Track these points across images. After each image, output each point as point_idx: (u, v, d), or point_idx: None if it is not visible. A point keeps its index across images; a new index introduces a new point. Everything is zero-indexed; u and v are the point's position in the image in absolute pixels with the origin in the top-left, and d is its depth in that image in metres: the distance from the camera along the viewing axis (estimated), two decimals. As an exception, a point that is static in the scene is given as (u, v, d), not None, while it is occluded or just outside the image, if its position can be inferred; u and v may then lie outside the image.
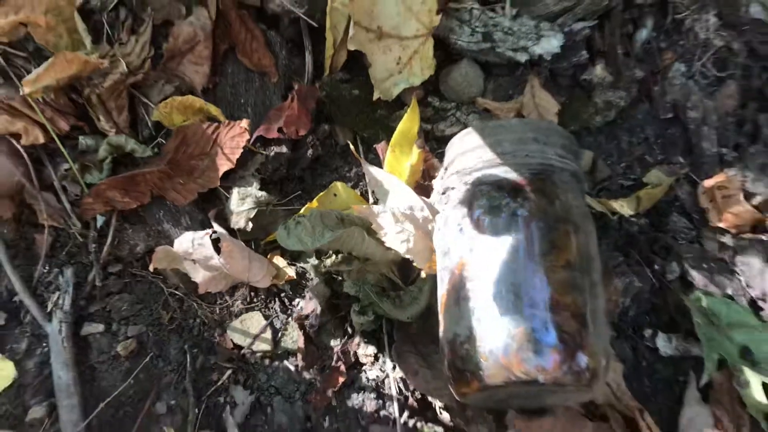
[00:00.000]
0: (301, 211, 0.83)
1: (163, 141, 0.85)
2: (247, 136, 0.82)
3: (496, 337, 0.68)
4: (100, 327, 0.82)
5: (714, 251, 0.90)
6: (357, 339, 0.83)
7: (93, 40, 0.86)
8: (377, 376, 0.83)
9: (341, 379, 0.82)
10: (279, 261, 0.85)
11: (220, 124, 0.84)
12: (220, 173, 0.83)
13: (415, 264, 0.80)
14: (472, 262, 0.73)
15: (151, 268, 0.81)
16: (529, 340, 0.68)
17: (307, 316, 0.82)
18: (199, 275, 0.82)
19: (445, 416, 0.82)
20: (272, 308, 0.84)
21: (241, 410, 0.81)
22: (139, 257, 0.84)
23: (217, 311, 0.83)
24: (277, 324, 0.84)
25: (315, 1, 0.90)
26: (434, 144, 0.93)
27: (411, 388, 0.82)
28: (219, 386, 0.82)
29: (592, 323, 0.70)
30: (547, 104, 0.92)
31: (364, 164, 0.85)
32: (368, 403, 0.82)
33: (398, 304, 0.81)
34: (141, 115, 0.87)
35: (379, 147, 0.89)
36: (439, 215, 0.80)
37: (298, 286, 0.85)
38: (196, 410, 0.80)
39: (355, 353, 0.83)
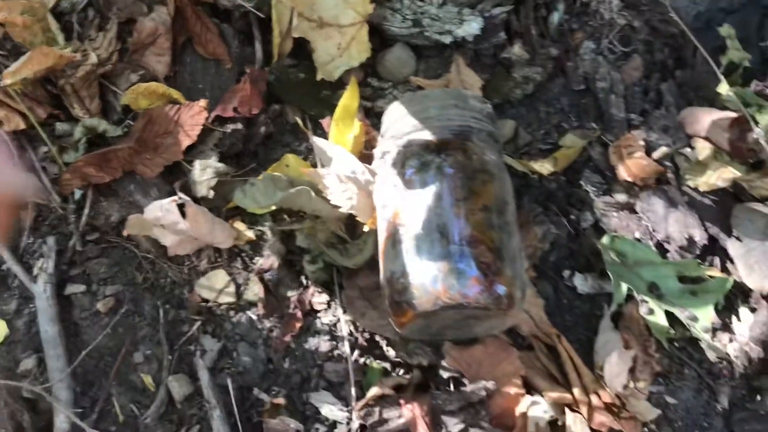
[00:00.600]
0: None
1: (132, 123, 0.97)
2: (205, 114, 0.94)
3: (426, 270, 0.80)
4: (82, 287, 0.93)
5: (623, 201, 1.03)
6: (311, 289, 0.95)
7: (65, 38, 0.97)
8: (330, 321, 0.94)
9: (298, 325, 0.93)
10: (239, 225, 0.96)
11: (181, 106, 0.95)
12: (183, 148, 0.94)
13: (358, 219, 0.91)
14: (405, 210, 0.84)
15: (125, 234, 0.92)
16: (452, 271, 0.79)
17: (266, 270, 0.93)
18: (168, 239, 0.93)
19: (391, 352, 0.93)
20: (234, 266, 0.95)
21: (210, 356, 0.92)
22: (113, 226, 0.95)
23: (186, 271, 0.94)
24: (240, 280, 0.95)
25: (262, -4, 1.01)
26: (375, 119, 1.05)
27: (360, 329, 0.93)
28: (190, 336, 0.93)
29: (507, 256, 0.82)
30: (471, 80, 1.05)
31: (311, 137, 0.97)
32: (322, 344, 0.93)
33: (344, 254, 0.92)
34: (111, 102, 0.99)
35: (325, 122, 1.01)
36: (378, 175, 0.92)
37: (257, 246, 0.96)
38: (170, 357, 0.91)
39: (310, 301, 0.94)
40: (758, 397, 0.95)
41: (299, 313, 0.93)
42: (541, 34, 1.12)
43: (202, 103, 0.94)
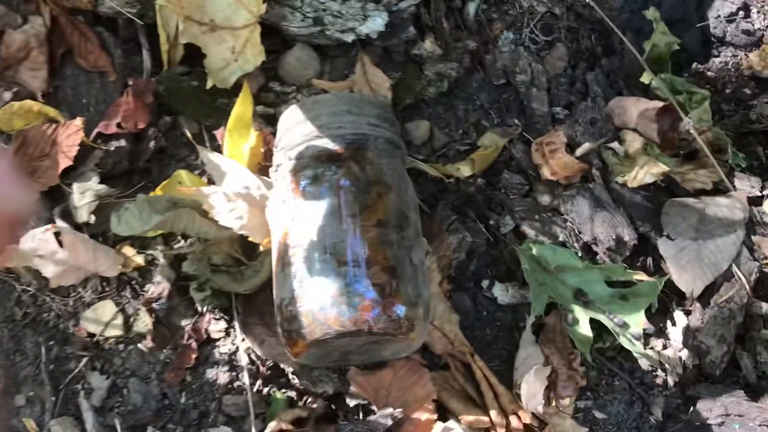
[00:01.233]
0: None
1: (5, 146, 0.89)
2: (81, 133, 0.87)
3: (315, 295, 0.74)
4: (-47, 328, 0.86)
5: (546, 203, 0.97)
6: (207, 317, 0.88)
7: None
8: (229, 350, 0.87)
9: (194, 356, 0.86)
10: (128, 250, 0.89)
11: (58, 125, 0.88)
12: (59, 171, 0.87)
13: (251, 239, 0.85)
14: (294, 229, 0.78)
15: (1, 267, 0.85)
16: (343, 294, 0.73)
17: (156, 299, 0.86)
18: (49, 270, 0.86)
19: (297, 381, 0.86)
20: (124, 295, 0.89)
21: (98, 394, 0.85)
22: (-12, 259, 0.88)
23: (71, 303, 0.88)
24: (129, 310, 0.88)
25: (146, 1, 0.94)
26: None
27: (263, 357, 0.87)
28: (76, 374, 0.86)
29: (405, 274, 0.76)
30: (378, 80, 0.98)
31: (200, 150, 0.90)
32: (221, 376, 0.86)
33: (238, 278, 0.85)
34: (-18, 124, 0.91)
35: (218, 133, 0.94)
36: (271, 191, 0.85)
37: (148, 273, 0.90)
38: (54, 398, 0.84)
39: (207, 330, 0.88)
40: (693, 407, 0.89)
41: (194, 344, 0.87)
42: (456, 27, 1.05)
43: (78, 121, 0.87)
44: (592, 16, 1.09)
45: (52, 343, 0.88)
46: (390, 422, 0.81)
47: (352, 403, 0.85)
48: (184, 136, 0.97)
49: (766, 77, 1.12)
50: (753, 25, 1.19)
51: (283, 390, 0.87)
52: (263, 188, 0.89)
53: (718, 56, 1.18)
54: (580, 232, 0.96)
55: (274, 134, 0.96)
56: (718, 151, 1.03)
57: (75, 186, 0.88)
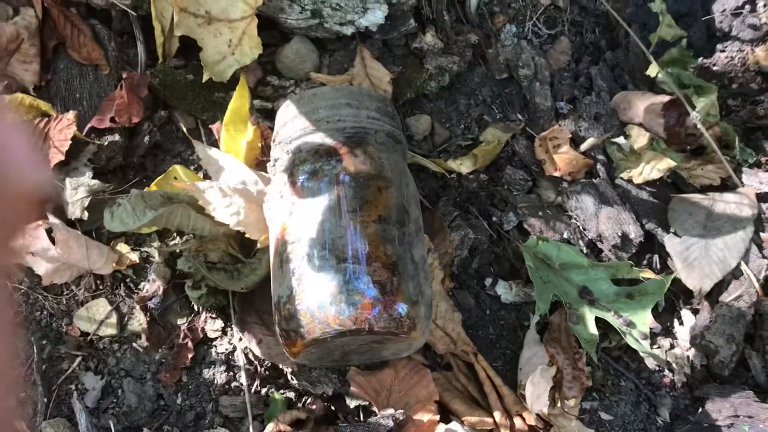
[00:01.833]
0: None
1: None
2: (74, 127, 0.84)
3: (314, 293, 0.72)
4: (-58, 327, 0.84)
5: (550, 199, 0.95)
6: (204, 315, 0.86)
7: None
8: (226, 349, 0.85)
9: (190, 356, 0.84)
10: (122, 247, 0.87)
11: (50, 119, 0.86)
12: (51, 166, 0.85)
13: (248, 236, 0.83)
14: (292, 225, 0.76)
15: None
16: (343, 293, 0.71)
17: (150, 297, 0.84)
18: (41, 268, 0.84)
19: (296, 381, 0.84)
20: (118, 294, 0.87)
21: (92, 395, 0.83)
22: (-21, 256, 0.86)
23: (64, 301, 0.85)
24: (124, 308, 0.86)
25: (141, -8, 0.92)
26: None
27: (260, 357, 0.85)
28: (70, 374, 0.84)
29: (406, 272, 0.74)
30: (379, 74, 0.96)
31: (196, 144, 0.88)
32: (218, 376, 0.84)
33: (235, 276, 0.83)
34: (-27, 117, 0.89)
35: (214, 127, 0.92)
36: (269, 186, 0.83)
37: (143, 270, 0.87)
38: (46, 400, 0.82)
39: (203, 329, 0.86)
40: (702, 408, 0.87)
41: (190, 343, 0.85)
42: (457, 20, 1.03)
43: (71, 114, 0.85)
44: (596, 9, 1.07)
45: (44, 342, 0.86)
46: (391, 423, 0.79)
47: (352, 404, 0.83)
48: (180, 131, 0.96)
49: (774, 72, 1.10)
50: (759, 20, 1.16)
51: (282, 391, 0.85)
52: (260, 184, 0.87)
53: (723, 51, 1.16)
54: (584, 229, 0.94)
55: (271, 129, 0.94)
56: (725, 147, 1.01)
57: (68, 181, 0.86)
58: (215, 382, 0.85)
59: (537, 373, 0.81)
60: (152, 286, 0.86)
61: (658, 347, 0.91)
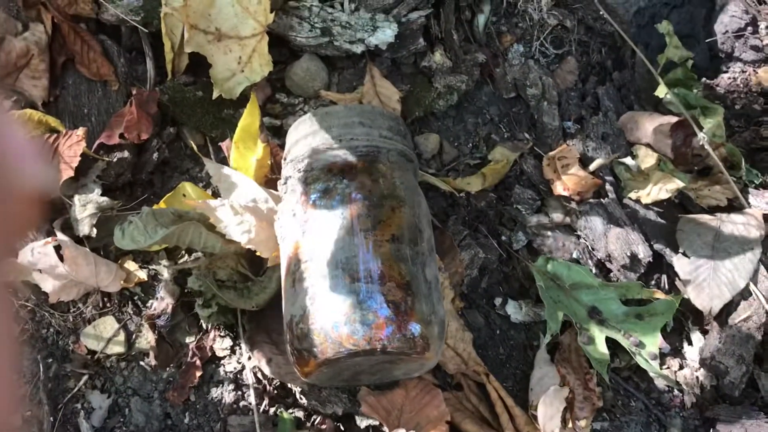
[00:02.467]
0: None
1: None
2: (83, 144, 0.84)
3: (327, 312, 0.71)
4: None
5: (559, 219, 0.95)
6: (212, 334, 0.85)
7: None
8: (234, 368, 0.85)
9: (198, 374, 0.83)
10: (130, 265, 0.86)
11: (59, 135, 0.86)
12: (60, 182, 0.84)
13: (258, 254, 0.82)
14: (305, 244, 0.76)
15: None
16: (357, 312, 0.70)
17: (158, 316, 0.83)
18: (48, 285, 0.83)
19: (305, 401, 0.84)
20: (125, 311, 0.86)
21: (98, 414, 0.82)
22: (-15, 273, 0.85)
23: (71, 319, 0.85)
24: (131, 326, 0.85)
25: (151, 9, 0.92)
26: (284, 139, 0.96)
27: (270, 376, 0.84)
28: (76, 393, 0.83)
29: (420, 291, 0.73)
30: (388, 92, 0.96)
31: (207, 162, 0.88)
32: (227, 395, 0.83)
33: (245, 295, 0.83)
34: (-20, 133, 0.88)
35: (224, 145, 0.91)
36: (280, 204, 0.83)
37: (151, 288, 0.87)
38: (52, 419, 0.81)
39: (211, 347, 0.85)
40: (713, 429, 0.86)
41: (198, 361, 0.84)
42: (465, 39, 1.04)
43: (80, 131, 0.85)
44: (602, 30, 1.07)
45: (50, 360, 0.85)
46: (403, 444, 0.78)
47: (362, 424, 0.83)
48: (188, 148, 0.95)
49: (777, 93, 1.11)
50: (761, 41, 1.18)
51: (291, 410, 0.84)
52: (270, 201, 0.87)
53: (726, 72, 1.17)
54: (593, 249, 0.94)
55: (281, 146, 0.93)
56: (731, 167, 1.01)
57: (76, 198, 0.85)
58: (223, 401, 0.84)
59: (550, 394, 0.81)
60: (161, 304, 0.85)
61: (667, 368, 0.91)
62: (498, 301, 0.92)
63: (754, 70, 1.17)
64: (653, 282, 0.94)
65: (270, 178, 0.92)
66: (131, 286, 0.86)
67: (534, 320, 0.92)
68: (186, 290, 0.85)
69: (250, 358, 0.85)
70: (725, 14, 1.21)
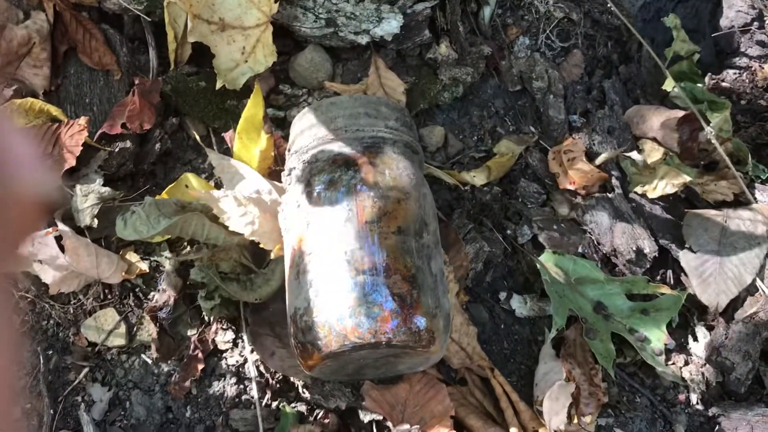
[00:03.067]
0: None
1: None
2: (85, 133, 0.83)
3: (332, 305, 0.70)
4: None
5: (565, 213, 0.94)
6: (215, 326, 0.84)
7: (-74, 50, 0.86)
8: (236, 361, 0.84)
9: (200, 367, 0.82)
10: (132, 256, 0.85)
11: (60, 124, 0.84)
12: (62, 172, 0.83)
13: (262, 246, 0.81)
14: (309, 236, 0.74)
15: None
16: (362, 305, 0.69)
17: (160, 308, 0.82)
18: (49, 276, 0.82)
19: (308, 394, 0.83)
20: (127, 303, 0.85)
21: (99, 407, 0.81)
22: (-16, 263, 0.83)
23: (71, 311, 0.84)
24: (132, 319, 0.84)
25: (154, -2, 0.91)
26: (288, 131, 0.94)
27: (272, 369, 0.83)
28: (76, 385, 0.82)
29: (425, 284, 0.72)
30: (393, 84, 0.95)
31: (210, 152, 0.87)
32: (229, 388, 0.82)
33: (248, 287, 0.82)
34: (-19, 122, 0.87)
35: (227, 135, 0.90)
36: (284, 196, 0.82)
37: (152, 280, 0.86)
38: (52, 411, 0.80)
39: (213, 341, 0.84)
40: (718, 426, 0.85)
41: (200, 354, 0.83)
42: (471, 31, 1.02)
43: (82, 120, 0.84)
44: (609, 23, 1.06)
45: (51, 352, 0.84)
46: (407, 439, 0.77)
47: (366, 418, 0.82)
48: (191, 139, 0.94)
49: (784, 88, 1.10)
50: (767, 36, 1.17)
51: (293, 404, 0.83)
52: (274, 193, 0.85)
53: (732, 67, 1.16)
54: (599, 243, 0.93)
55: (284, 137, 0.92)
56: (737, 163, 1.00)
57: (78, 188, 0.84)
58: (225, 394, 0.83)
59: (555, 389, 0.80)
60: (163, 296, 0.84)
61: (673, 363, 0.90)
62: (503, 295, 0.91)
63: (760, 66, 1.16)
64: (659, 277, 0.93)
65: (274, 170, 0.91)
66: (133, 278, 0.85)
67: (539, 315, 0.91)
68: (188, 282, 0.84)
69: (252, 351, 0.84)
70: (731, 9, 1.20)
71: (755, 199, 0.97)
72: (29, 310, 0.84)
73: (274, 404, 0.83)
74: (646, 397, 0.88)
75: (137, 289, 0.86)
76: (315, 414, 0.83)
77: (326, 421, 0.82)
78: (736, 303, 0.91)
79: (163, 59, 0.95)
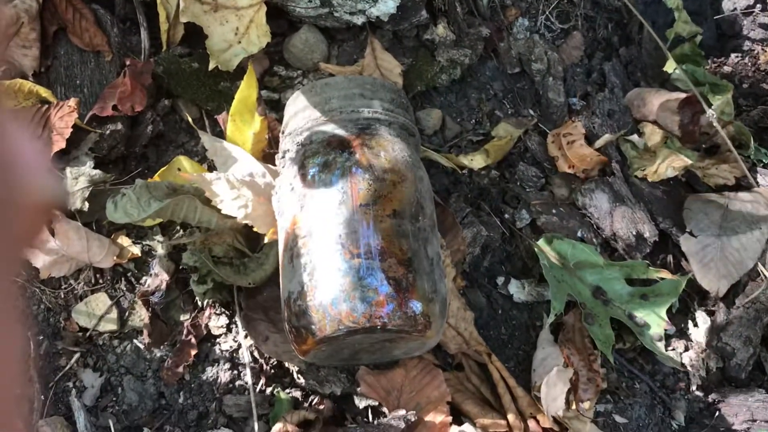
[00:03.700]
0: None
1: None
2: (75, 115, 0.81)
3: (326, 289, 0.69)
4: (-66, 321, 0.80)
5: (564, 197, 0.92)
6: (208, 311, 0.83)
7: None
8: (230, 347, 0.82)
9: (193, 353, 0.81)
10: (123, 240, 0.84)
11: (50, 106, 0.83)
12: (51, 154, 0.81)
13: (256, 229, 0.79)
14: (303, 219, 0.73)
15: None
16: (357, 289, 0.68)
17: (152, 293, 0.81)
18: (39, 260, 0.81)
19: (303, 380, 0.81)
20: (118, 288, 0.83)
21: (90, 393, 0.80)
22: (-27, 247, 0.82)
23: (62, 295, 0.82)
24: (124, 303, 0.83)
25: (145, -23, 0.89)
26: (282, 113, 0.93)
27: (266, 355, 0.81)
28: (67, 371, 0.81)
29: (421, 268, 0.71)
30: (389, 65, 0.93)
31: (202, 134, 0.85)
32: (222, 374, 0.81)
33: (242, 271, 0.80)
34: (-31, 103, 0.85)
35: (220, 118, 0.89)
36: (278, 179, 0.80)
37: (145, 264, 0.84)
38: (43, 397, 0.78)
39: (207, 326, 0.82)
40: (718, 412, 0.84)
41: (193, 339, 0.82)
42: (469, 12, 1.01)
43: (72, 102, 0.82)
44: (609, 4, 1.04)
45: (41, 337, 0.82)
46: (402, 425, 0.76)
47: (361, 404, 0.80)
48: (183, 121, 0.92)
49: (787, 71, 1.09)
50: (770, 19, 1.15)
51: (288, 390, 0.82)
52: (268, 176, 0.84)
53: (734, 50, 1.14)
54: (598, 228, 0.92)
55: (278, 120, 0.91)
56: (739, 146, 0.99)
57: (68, 171, 0.82)
58: (219, 380, 0.82)
59: (553, 375, 0.78)
60: (155, 280, 0.83)
61: (673, 349, 0.88)
62: (500, 280, 0.90)
63: (762, 49, 1.15)
64: (659, 261, 0.92)
65: (267, 153, 0.89)
66: (124, 262, 0.84)
67: (537, 300, 0.89)
68: (181, 266, 0.82)
69: (246, 336, 0.83)
70: (733, -9, 1.18)
71: (757, 183, 0.96)
72: (19, 294, 0.83)
73: (269, 390, 0.82)
74: (646, 383, 0.87)
75: (129, 274, 0.85)
76: (310, 400, 0.82)
77: (321, 406, 0.80)
78: (737, 288, 0.89)
79: (155, 40, 0.93)
